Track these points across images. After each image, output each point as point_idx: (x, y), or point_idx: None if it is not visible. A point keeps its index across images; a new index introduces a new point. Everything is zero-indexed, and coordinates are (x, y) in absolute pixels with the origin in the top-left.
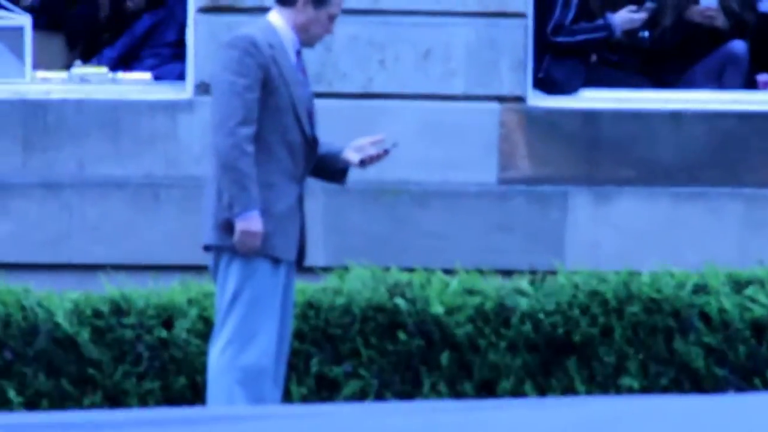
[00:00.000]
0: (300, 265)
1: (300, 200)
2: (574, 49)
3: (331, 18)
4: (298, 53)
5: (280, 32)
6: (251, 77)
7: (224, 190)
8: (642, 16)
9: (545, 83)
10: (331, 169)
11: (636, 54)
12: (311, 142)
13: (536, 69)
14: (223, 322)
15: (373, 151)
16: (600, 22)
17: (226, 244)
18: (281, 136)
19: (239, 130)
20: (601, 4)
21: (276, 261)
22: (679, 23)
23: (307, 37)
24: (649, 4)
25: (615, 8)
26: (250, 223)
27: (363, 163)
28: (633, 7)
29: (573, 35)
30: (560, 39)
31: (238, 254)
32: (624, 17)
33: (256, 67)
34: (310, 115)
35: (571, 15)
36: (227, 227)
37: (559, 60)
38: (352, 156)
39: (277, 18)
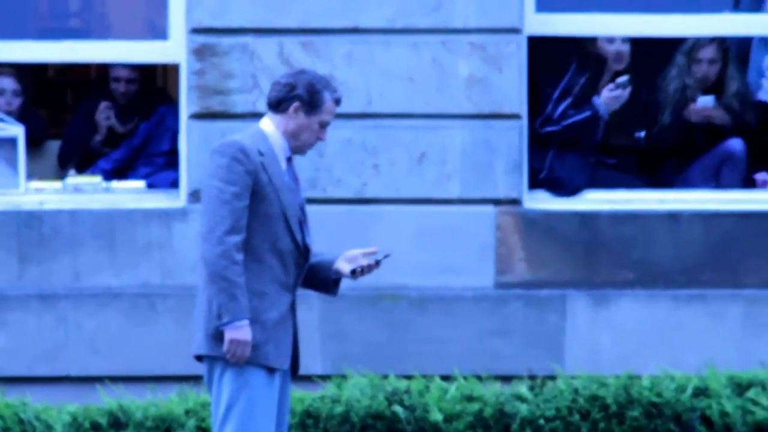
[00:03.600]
0: (295, 374)
1: (292, 308)
2: (564, 137)
3: (323, 125)
4: (289, 160)
5: (270, 139)
6: (240, 184)
7: (213, 299)
8: (619, 92)
9: (548, 183)
10: (322, 280)
11: (633, 154)
12: (303, 249)
13: (538, 169)
14: None
15: (365, 262)
16: (585, 107)
17: (218, 354)
18: (272, 244)
19: (227, 239)
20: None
21: (270, 370)
22: (676, 122)
23: (298, 144)
24: (621, 80)
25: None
26: (240, 332)
27: (355, 273)
28: (611, 85)
29: (558, 123)
30: (547, 129)
31: (231, 364)
32: (605, 96)
33: (245, 174)
34: (302, 223)
35: (562, 107)
36: (218, 337)
37: (561, 159)
38: (344, 267)
39: (268, 124)
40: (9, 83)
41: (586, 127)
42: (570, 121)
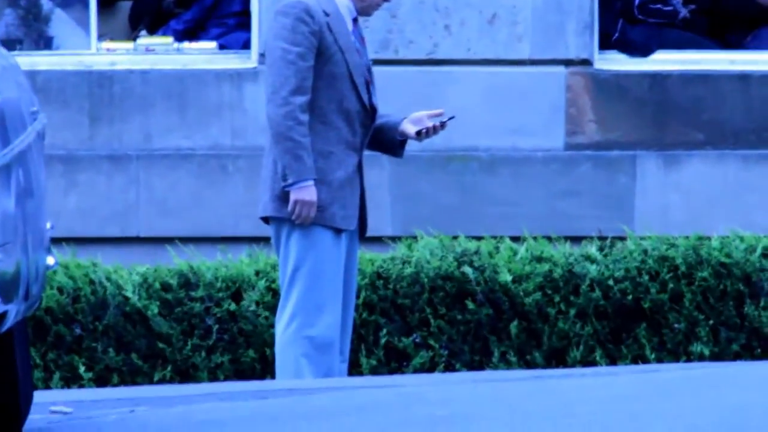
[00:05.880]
0: (362, 236)
1: (359, 169)
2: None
3: None
4: (355, 21)
5: None
6: (304, 45)
7: (278, 160)
8: None
9: (621, 45)
10: (388, 142)
11: (702, 15)
12: (369, 110)
13: (611, 31)
14: (287, 295)
15: (430, 123)
16: (670, 8)
17: (284, 215)
18: (338, 104)
19: (292, 99)
20: None
21: (336, 231)
22: None
23: (363, 5)
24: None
25: None
26: (305, 192)
27: (420, 135)
28: None
29: (650, 16)
30: (642, 17)
31: (297, 225)
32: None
33: (310, 34)
34: (368, 83)
35: None
36: (284, 198)
37: (633, 22)
38: (409, 128)
39: None
40: None
41: (665, 17)
42: (656, 21)
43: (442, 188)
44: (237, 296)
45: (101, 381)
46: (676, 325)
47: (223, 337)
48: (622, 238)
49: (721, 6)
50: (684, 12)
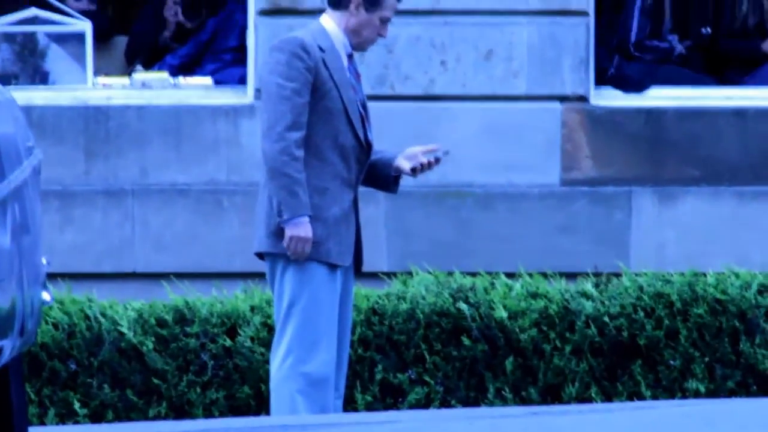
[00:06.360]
0: (358, 271)
1: (354, 205)
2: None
3: (384, 21)
4: (350, 57)
5: (331, 35)
6: (300, 80)
7: (273, 196)
8: None
9: (617, 81)
10: (383, 178)
11: (699, 51)
12: (365, 146)
13: (607, 67)
14: (282, 331)
15: (425, 159)
16: (666, 45)
17: (280, 251)
18: (333, 140)
19: (288, 135)
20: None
21: (332, 267)
22: (742, 19)
23: (358, 41)
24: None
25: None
26: (300, 228)
27: (415, 171)
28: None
29: (646, 52)
30: (638, 54)
31: (292, 261)
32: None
33: (305, 70)
34: (363, 119)
35: (648, 28)
36: (279, 234)
37: (628, 58)
38: (404, 164)
39: (328, 21)
40: None
41: (661, 53)
42: (653, 57)
43: (438, 224)
44: (232, 332)
45: (96, 417)
46: (671, 362)
47: (218, 373)
48: (618, 275)
49: (719, 45)
50: (680, 48)
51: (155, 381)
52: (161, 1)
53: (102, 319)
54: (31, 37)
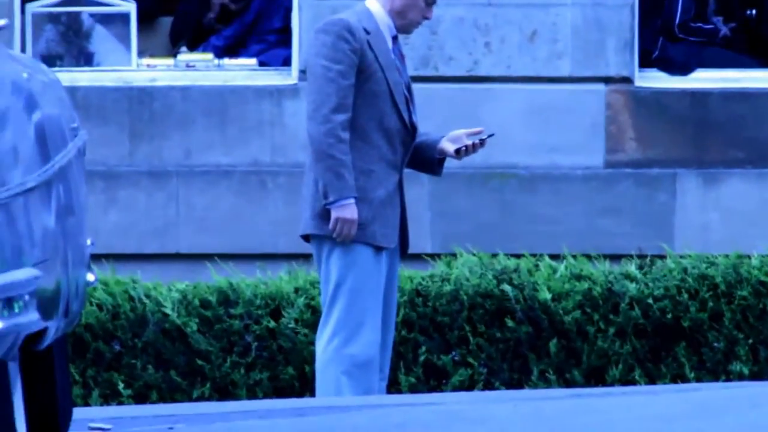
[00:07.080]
0: (404, 253)
1: (399, 187)
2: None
3: (429, 3)
4: (395, 39)
5: (376, 17)
6: (345, 63)
7: (319, 178)
8: None
9: (661, 63)
10: (427, 160)
11: (743, 33)
12: (409, 128)
13: (651, 49)
14: (328, 312)
15: (469, 141)
16: (710, 27)
17: (325, 233)
18: (378, 122)
19: (333, 117)
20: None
21: (377, 249)
22: None
23: (403, 23)
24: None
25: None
26: (346, 210)
27: (459, 153)
28: None
29: (691, 34)
30: (682, 36)
31: (338, 243)
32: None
33: (351, 52)
34: (408, 101)
35: (692, 10)
36: (325, 216)
37: (673, 39)
38: (448, 147)
39: (373, 3)
40: None
41: (706, 35)
42: (697, 39)
43: (482, 206)
44: (276, 313)
45: (140, 398)
46: (715, 344)
47: (262, 354)
48: (662, 257)
49: (764, 27)
50: (725, 30)
51: (199, 362)
52: None
53: (146, 300)
54: (75, 17)
